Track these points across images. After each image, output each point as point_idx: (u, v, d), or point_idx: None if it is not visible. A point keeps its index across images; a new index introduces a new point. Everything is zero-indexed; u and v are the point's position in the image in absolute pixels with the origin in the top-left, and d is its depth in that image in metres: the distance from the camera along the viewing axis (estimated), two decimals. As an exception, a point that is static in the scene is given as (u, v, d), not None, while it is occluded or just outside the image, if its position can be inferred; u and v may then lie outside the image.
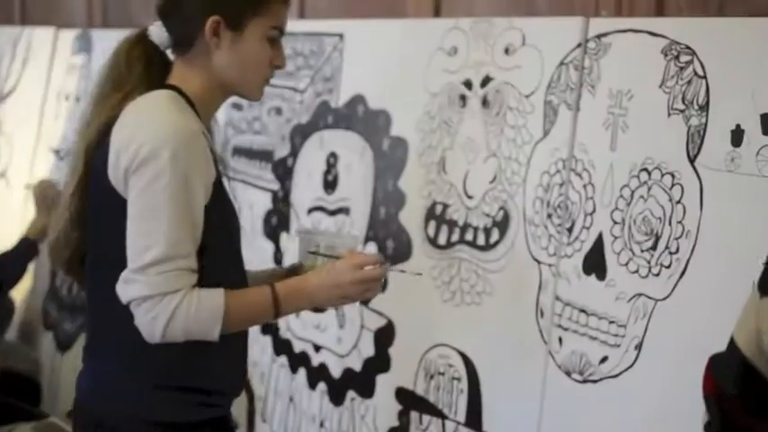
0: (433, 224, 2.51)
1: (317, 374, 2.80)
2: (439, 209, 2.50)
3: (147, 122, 1.81)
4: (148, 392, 1.91)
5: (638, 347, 2.01)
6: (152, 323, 1.79)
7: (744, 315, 1.01)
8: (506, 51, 2.35)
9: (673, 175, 1.97)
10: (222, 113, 3.24)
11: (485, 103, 2.39)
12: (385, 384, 2.62)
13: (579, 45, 2.18)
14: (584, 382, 2.12)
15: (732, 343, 1.01)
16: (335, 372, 2.76)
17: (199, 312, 1.80)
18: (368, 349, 2.65)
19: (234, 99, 2.16)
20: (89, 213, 1.93)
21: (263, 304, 1.89)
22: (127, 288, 1.80)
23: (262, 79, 1.94)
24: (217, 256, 1.87)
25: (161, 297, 1.78)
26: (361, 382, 2.69)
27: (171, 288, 1.78)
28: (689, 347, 1.92)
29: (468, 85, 2.41)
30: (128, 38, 1.97)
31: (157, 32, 1.94)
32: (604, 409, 2.08)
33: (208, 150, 1.84)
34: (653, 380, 1.98)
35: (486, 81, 2.39)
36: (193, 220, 1.81)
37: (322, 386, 2.80)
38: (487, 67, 2.39)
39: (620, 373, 2.05)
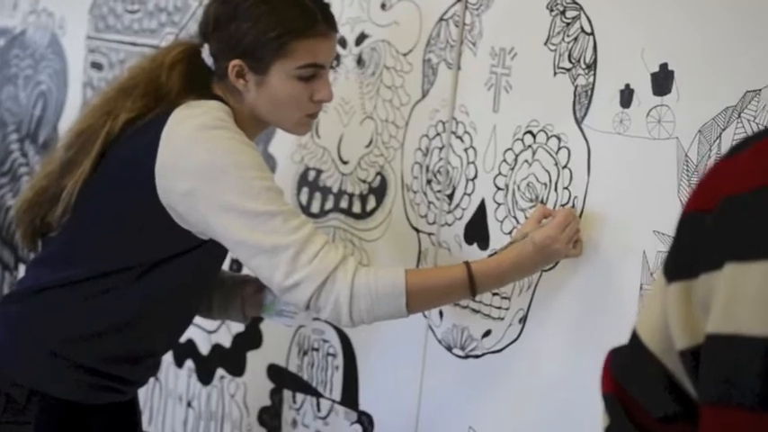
0: (305, 191, 2.36)
1: (184, 351, 2.64)
2: (312, 175, 2.35)
3: (206, 140, 1.76)
4: (59, 369, 1.85)
5: (523, 320, 1.91)
6: (336, 308, 1.72)
7: (648, 306, 0.90)
8: (383, 7, 2.22)
9: (559, 138, 1.86)
10: (81, 74, 3.04)
11: (360, 62, 2.25)
12: (256, 361, 2.48)
13: (459, 0, 2.05)
14: (466, 357, 2.01)
15: (635, 337, 0.90)
16: (203, 348, 2.61)
17: (378, 280, 1.72)
18: (237, 324, 2.49)
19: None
20: (86, 196, 1.84)
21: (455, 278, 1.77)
22: (297, 294, 1.72)
23: (300, 115, 1.88)
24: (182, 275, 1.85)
25: (332, 277, 1.71)
26: (231, 359, 2.55)
27: (333, 261, 1.71)
28: (576, 320, 1.82)
29: (341, 43, 2.25)
30: (177, 47, 1.93)
31: (206, 54, 1.88)
32: (487, 385, 1.97)
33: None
34: (538, 354, 1.89)
35: (361, 39, 2.25)
36: (276, 188, 1.77)
37: (189, 364, 2.65)
38: (363, 23, 2.25)
39: (504, 348, 1.95)
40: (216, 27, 1.85)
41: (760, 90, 1.58)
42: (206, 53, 1.87)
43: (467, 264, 1.76)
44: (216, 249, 1.84)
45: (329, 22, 1.85)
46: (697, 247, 0.84)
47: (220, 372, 2.58)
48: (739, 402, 0.78)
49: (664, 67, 1.71)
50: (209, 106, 1.82)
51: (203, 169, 1.74)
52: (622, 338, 1.73)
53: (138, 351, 1.92)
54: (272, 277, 1.73)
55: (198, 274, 1.89)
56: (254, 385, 2.49)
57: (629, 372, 0.91)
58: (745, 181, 0.82)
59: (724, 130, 1.62)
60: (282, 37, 1.80)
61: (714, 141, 1.63)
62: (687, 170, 1.67)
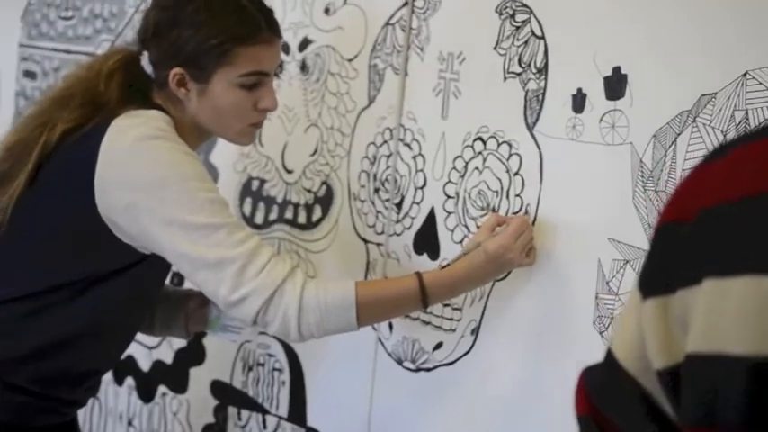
0: (249, 201, 2.30)
1: (124, 368, 2.55)
2: (255, 185, 2.29)
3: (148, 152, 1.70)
4: None
5: (475, 332, 1.86)
6: (285, 322, 1.66)
7: (622, 323, 0.85)
8: (326, 11, 2.16)
9: (510, 145, 1.82)
10: (14, 84, 2.94)
11: (303, 68, 2.19)
12: (199, 377, 2.41)
13: (406, 3, 2.00)
14: (418, 370, 1.96)
15: (610, 356, 0.85)
16: (144, 365, 2.53)
17: (328, 293, 1.67)
18: (179, 340, 2.41)
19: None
20: (22, 211, 1.77)
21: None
22: (243, 309, 1.65)
23: (243, 125, 1.82)
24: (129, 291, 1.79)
25: (280, 290, 1.64)
26: (173, 375, 2.48)
27: (281, 273, 1.65)
28: (530, 331, 1.78)
29: (284, 49, 2.19)
30: (116, 55, 1.85)
31: (146, 62, 1.81)
32: (439, 398, 1.92)
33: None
34: (491, 366, 1.84)
35: (304, 44, 2.19)
36: (220, 200, 1.71)
37: (129, 381, 2.57)
38: (306, 28, 2.19)
39: (456, 360, 1.90)
40: (156, 34, 1.78)
41: (715, 93, 1.54)
42: (145, 61, 1.80)
43: (418, 274, 1.71)
44: (158, 264, 1.77)
45: (273, 29, 1.79)
46: (673, 260, 0.79)
47: (162, 389, 2.50)
48: (723, 423, 0.74)
49: (617, 70, 1.67)
50: (150, 116, 1.75)
51: (144, 181, 1.68)
52: (577, 349, 1.71)
53: (77, 371, 1.84)
54: (218, 292, 1.66)
55: (140, 289, 1.82)
56: (198, 402, 2.42)
57: (604, 392, 0.86)
58: (723, 191, 0.78)
59: (679, 134, 1.59)
60: (225, 44, 1.74)
61: (669, 146, 1.60)
62: (642, 176, 1.63)
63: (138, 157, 1.69)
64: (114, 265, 1.76)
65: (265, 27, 1.77)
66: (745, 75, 1.51)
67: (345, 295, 1.67)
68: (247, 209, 2.30)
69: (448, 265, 1.71)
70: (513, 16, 1.82)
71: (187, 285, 2.23)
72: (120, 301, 1.79)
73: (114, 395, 2.59)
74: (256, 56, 1.77)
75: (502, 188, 1.83)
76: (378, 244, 2.04)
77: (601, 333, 1.67)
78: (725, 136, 1.53)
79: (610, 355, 0.86)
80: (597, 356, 1.65)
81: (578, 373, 0.91)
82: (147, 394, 2.53)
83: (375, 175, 2.04)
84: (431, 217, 1.94)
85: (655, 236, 0.83)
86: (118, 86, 1.79)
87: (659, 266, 0.81)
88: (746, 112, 1.51)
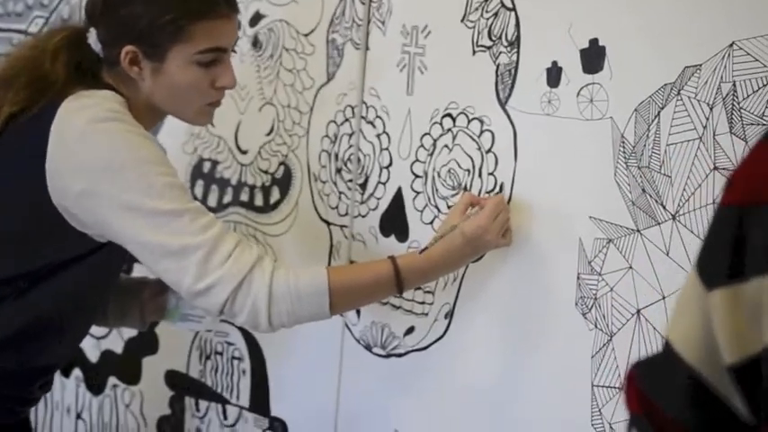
0: (200, 184, 2.20)
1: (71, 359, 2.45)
2: (207, 166, 2.20)
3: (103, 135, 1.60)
4: None
5: (449, 315, 1.80)
6: (254, 311, 1.58)
7: (682, 313, 0.79)
8: (279, -16, 2.07)
9: (481, 121, 1.75)
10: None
11: (255, 44, 2.10)
12: (152, 367, 2.32)
13: (365, -25, 1.92)
14: (388, 356, 1.89)
15: (670, 349, 0.79)
16: (92, 355, 2.43)
17: (299, 280, 1.58)
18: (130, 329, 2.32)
19: None
20: None
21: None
22: (209, 299, 1.57)
23: (201, 104, 1.72)
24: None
25: (248, 279, 1.56)
26: (124, 366, 2.38)
27: (249, 261, 1.56)
28: (507, 315, 1.72)
29: (235, 23, 2.09)
30: (60, 32, 1.74)
31: (94, 40, 1.69)
32: (412, 385, 1.86)
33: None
34: (466, 351, 1.78)
35: (256, 19, 2.10)
36: (180, 184, 1.63)
37: (77, 372, 2.46)
38: (257, 2, 2.10)
39: (430, 345, 1.83)
40: (105, 10, 1.67)
41: (700, 65, 1.49)
42: (93, 39, 1.69)
43: (392, 259, 1.64)
44: (116, 252, 1.68)
45: (230, 3, 1.70)
46: (744, 246, 0.73)
47: (112, 380, 2.40)
48: None
49: (594, 42, 1.61)
50: (102, 96, 1.65)
51: (99, 166, 1.58)
52: (559, 334, 1.66)
53: (33, 366, 1.74)
54: (182, 281, 1.58)
55: (98, 279, 1.73)
56: (152, 393, 2.32)
57: (663, 389, 0.80)
58: None
59: (663, 108, 1.53)
60: (180, 19, 1.64)
61: (653, 121, 1.54)
62: (624, 152, 1.57)
63: (91, 141, 1.59)
64: (68, 255, 1.66)
65: (222, 1, 1.68)
66: (731, 45, 1.46)
67: (317, 282, 1.59)
68: (199, 191, 2.20)
69: (425, 248, 1.64)
70: (481, -13, 1.74)
71: (137, 272, 2.13)
72: (77, 292, 1.69)
73: (61, 388, 2.48)
74: (214, 31, 1.67)
75: (474, 166, 1.76)
76: (342, 226, 1.96)
77: (584, 315, 1.62)
78: (711, 109, 1.48)
79: (670, 349, 0.80)
80: (580, 339, 1.61)
81: (628, 368, 0.85)
82: (96, 386, 2.43)
83: (337, 155, 1.96)
84: (398, 197, 1.87)
85: (716, 220, 0.77)
86: (64, 66, 1.68)
87: (725, 253, 0.75)
88: (734, 84, 1.46)
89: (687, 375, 0.77)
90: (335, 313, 1.64)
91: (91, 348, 2.42)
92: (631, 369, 0.85)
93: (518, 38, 1.70)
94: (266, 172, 2.09)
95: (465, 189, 1.77)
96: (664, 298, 1.53)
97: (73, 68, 1.69)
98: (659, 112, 1.54)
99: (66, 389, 2.49)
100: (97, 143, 1.59)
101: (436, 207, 1.81)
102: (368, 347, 1.92)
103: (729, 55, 1.46)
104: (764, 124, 1.43)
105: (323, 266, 1.63)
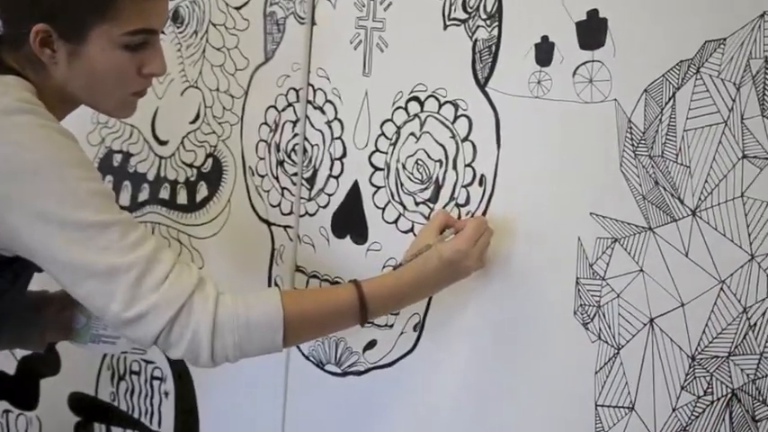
0: (109, 180, 1.93)
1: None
2: (118, 159, 1.93)
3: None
4: None
5: (419, 327, 1.59)
6: (193, 344, 1.34)
7: None
8: (204, -51, 1.81)
9: (455, 105, 1.54)
10: None
11: (176, 18, 1.84)
12: (53, 390, 2.07)
13: (310, -63, 1.68)
14: (345, 374, 1.67)
15: None
16: (-21, 378, 2.13)
17: (249, 309, 1.36)
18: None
19: None
20: None
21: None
22: (141, 328, 1.32)
23: (124, 93, 1.48)
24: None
25: (187, 306, 1.33)
26: (18, 389, 2.11)
27: (188, 285, 1.33)
28: (492, 326, 1.52)
29: (149, -5, 1.83)
30: None
31: None
32: (375, 406, 1.64)
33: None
34: (440, 369, 1.57)
35: (176, -10, 1.85)
36: (107, 191, 1.38)
37: (-39, 397, 2.15)
38: (177, -29, 1.84)
39: (395, 361, 1.63)
40: None
41: (725, 39, 1.31)
42: None
43: (356, 284, 1.41)
44: (22, 269, 1.40)
45: None
46: None
47: (3, 405, 2.11)
48: None
49: (593, 14, 1.41)
50: (7, 83, 1.38)
51: (9, 168, 1.31)
52: (554, 346, 1.45)
53: None
54: (108, 307, 1.32)
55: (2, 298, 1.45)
56: (52, 420, 2.07)
57: None
58: None
59: (678, 89, 1.35)
60: None
61: (666, 103, 1.35)
62: (631, 138, 1.38)
63: (0, 138, 1.31)
64: None
65: None
66: (762, 16, 1.28)
67: (270, 312, 1.36)
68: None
69: (400, 265, 1.42)
70: (454, -49, 1.53)
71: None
72: None
73: (-59, 415, 2.18)
74: (144, 10, 1.42)
75: (447, 157, 1.54)
76: (285, 226, 1.73)
77: (584, 325, 1.43)
78: (738, 89, 1.30)
79: None
80: (581, 352, 1.41)
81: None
82: (-16, 413, 2.14)
83: (278, 145, 1.72)
84: (354, 193, 1.65)
85: None
86: None
87: None
88: (766, 60, 1.28)
89: None
90: (288, 346, 1.41)
91: (-24, 369, 2.13)
92: None
93: (500, 9, 1.49)
94: (191, 165, 1.84)
95: (437, 182, 1.55)
96: (683, 305, 1.35)
97: None
98: (674, 94, 1.35)
99: (-53, 416, 2.18)
100: (7, 140, 1.32)
101: (401, 204, 1.59)
102: (319, 364, 1.69)
103: (760, 27, 1.29)
104: (806, 106, 1.26)
105: (275, 292, 1.39)
